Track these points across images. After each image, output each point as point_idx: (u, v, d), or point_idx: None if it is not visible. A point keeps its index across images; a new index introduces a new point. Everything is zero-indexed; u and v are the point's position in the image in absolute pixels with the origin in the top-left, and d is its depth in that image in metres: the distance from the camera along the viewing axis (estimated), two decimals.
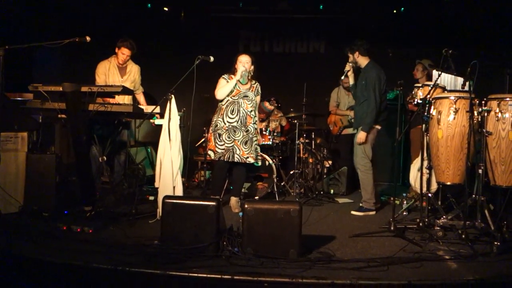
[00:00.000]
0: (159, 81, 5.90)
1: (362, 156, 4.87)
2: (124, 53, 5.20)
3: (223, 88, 4.78)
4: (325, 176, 6.27)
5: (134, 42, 5.25)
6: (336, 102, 6.77)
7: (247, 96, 4.84)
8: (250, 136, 4.82)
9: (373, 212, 4.87)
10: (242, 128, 4.78)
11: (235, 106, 4.79)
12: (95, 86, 4.14)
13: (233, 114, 4.78)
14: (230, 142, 4.73)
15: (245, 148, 4.74)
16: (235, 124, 4.76)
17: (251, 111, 4.86)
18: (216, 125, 4.80)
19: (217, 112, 4.87)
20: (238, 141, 4.73)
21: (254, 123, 4.88)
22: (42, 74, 6.95)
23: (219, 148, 4.74)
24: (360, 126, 4.86)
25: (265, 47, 8.05)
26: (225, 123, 4.76)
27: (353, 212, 4.88)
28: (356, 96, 5.10)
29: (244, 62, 4.79)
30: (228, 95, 4.80)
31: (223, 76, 4.89)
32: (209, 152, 4.85)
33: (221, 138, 4.74)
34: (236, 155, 4.70)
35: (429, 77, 5.63)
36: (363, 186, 4.93)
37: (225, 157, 4.70)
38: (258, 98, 5.00)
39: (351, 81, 5.16)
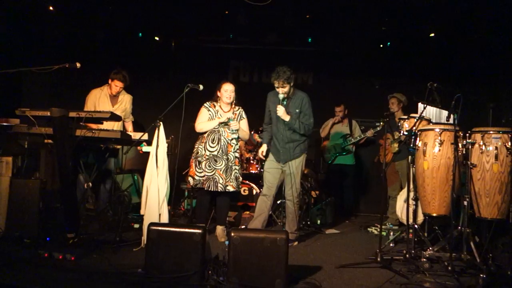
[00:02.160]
0: (148, 108, 5.92)
1: (300, 189, 4.89)
2: (117, 85, 5.21)
3: (205, 125, 4.80)
4: (312, 206, 6.26)
5: (127, 74, 5.23)
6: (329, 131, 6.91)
7: (228, 125, 4.85)
8: (230, 164, 4.81)
9: (296, 243, 4.78)
10: (224, 156, 4.77)
11: (216, 135, 4.80)
12: (83, 112, 4.12)
13: (213, 143, 4.78)
14: (210, 171, 4.72)
15: (225, 176, 4.74)
16: (215, 153, 4.76)
17: (232, 139, 4.86)
18: (197, 152, 4.80)
19: (199, 139, 4.89)
20: (220, 170, 4.73)
21: (235, 151, 4.88)
22: (30, 99, 6.92)
23: (197, 175, 4.74)
24: (297, 156, 4.77)
25: (254, 77, 8.14)
26: (205, 151, 4.76)
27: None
28: (285, 124, 4.71)
29: (229, 91, 4.83)
30: None
31: (204, 104, 4.91)
32: (189, 178, 4.84)
33: (200, 166, 4.73)
34: (219, 184, 4.69)
35: (404, 110, 5.76)
36: (293, 218, 4.79)
37: (206, 186, 4.68)
38: (243, 122, 4.98)
39: (284, 113, 4.67)
